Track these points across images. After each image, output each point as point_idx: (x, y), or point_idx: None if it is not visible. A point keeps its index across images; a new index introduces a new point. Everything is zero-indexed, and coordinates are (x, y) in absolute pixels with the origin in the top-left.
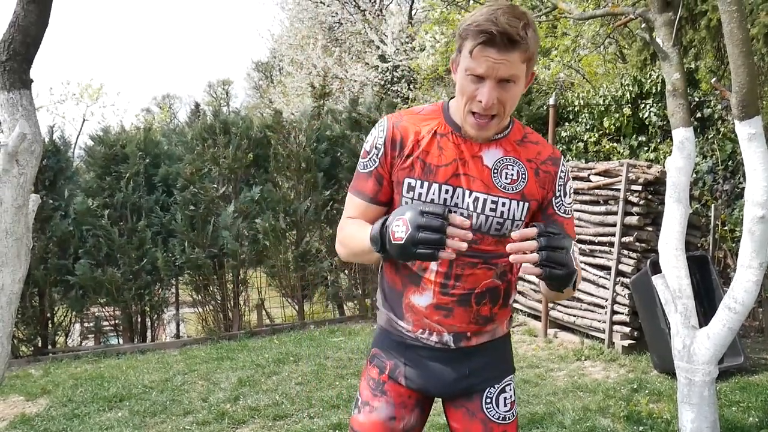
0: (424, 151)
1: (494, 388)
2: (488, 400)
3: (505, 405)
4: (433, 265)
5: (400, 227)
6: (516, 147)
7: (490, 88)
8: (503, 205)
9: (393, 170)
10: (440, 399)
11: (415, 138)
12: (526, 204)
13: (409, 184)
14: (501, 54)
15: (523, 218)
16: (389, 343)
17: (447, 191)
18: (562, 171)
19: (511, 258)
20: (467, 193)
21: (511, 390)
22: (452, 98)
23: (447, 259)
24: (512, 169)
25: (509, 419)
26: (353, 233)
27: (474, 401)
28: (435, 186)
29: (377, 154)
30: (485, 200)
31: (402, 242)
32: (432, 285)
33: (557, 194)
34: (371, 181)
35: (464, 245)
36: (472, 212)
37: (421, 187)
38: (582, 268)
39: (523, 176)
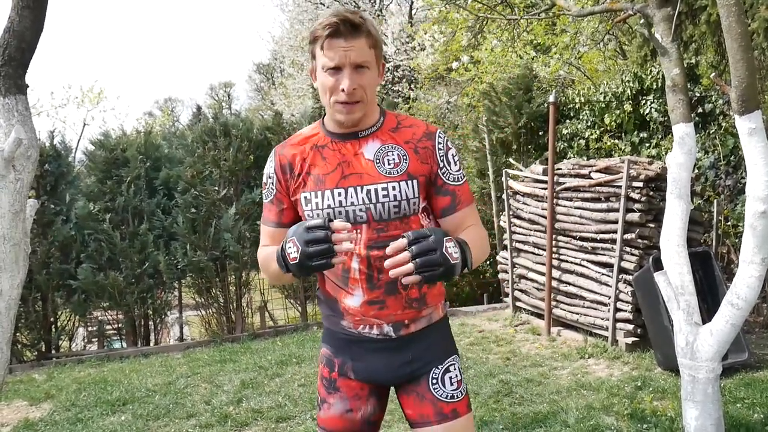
0: (311, 165)
1: (438, 369)
2: (434, 381)
3: (452, 384)
4: (354, 264)
5: (291, 248)
6: (392, 135)
7: (349, 75)
8: (393, 188)
9: (290, 192)
10: (395, 392)
11: (301, 157)
12: (414, 181)
13: (305, 197)
14: (348, 41)
15: (416, 195)
16: (335, 341)
17: (339, 194)
18: (439, 143)
19: (390, 273)
20: (359, 189)
21: (455, 369)
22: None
23: (340, 263)
24: (392, 154)
25: (458, 397)
26: (267, 260)
27: (422, 384)
28: (327, 192)
29: (272, 183)
30: (376, 190)
31: (297, 261)
32: (359, 283)
33: (441, 165)
34: (273, 207)
35: (350, 246)
36: (369, 204)
37: (316, 197)
38: (584, 266)
39: (404, 157)
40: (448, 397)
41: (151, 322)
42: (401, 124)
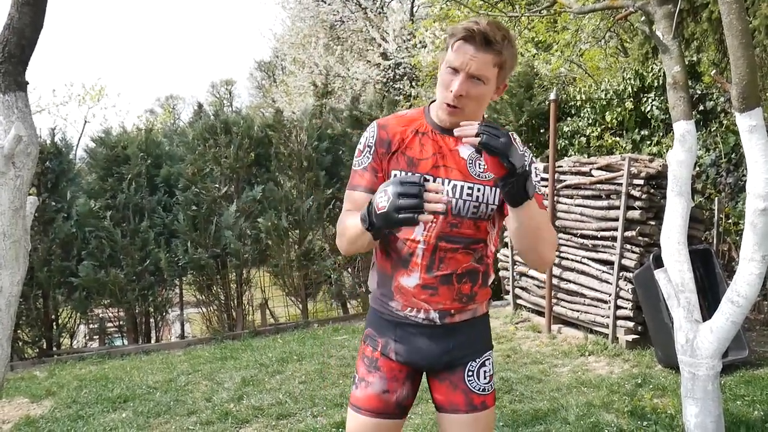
0: (408, 147)
1: (475, 362)
2: (470, 373)
3: (485, 377)
4: (420, 250)
5: (382, 198)
6: None
7: (461, 81)
8: (478, 190)
9: (382, 165)
10: (426, 375)
11: (400, 137)
12: (499, 189)
13: (395, 174)
14: (476, 51)
15: (496, 202)
16: (381, 322)
17: (428, 180)
18: (525, 154)
19: (455, 132)
20: (446, 181)
21: (490, 364)
22: (433, 102)
23: (427, 221)
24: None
25: (488, 390)
26: (348, 222)
27: (457, 374)
28: (418, 176)
29: (370, 151)
30: (462, 187)
31: (385, 210)
32: (419, 267)
33: None
34: (367, 174)
35: (441, 206)
36: (452, 198)
37: (406, 176)
38: (585, 264)
39: None
40: (480, 390)
41: (152, 320)
42: None
